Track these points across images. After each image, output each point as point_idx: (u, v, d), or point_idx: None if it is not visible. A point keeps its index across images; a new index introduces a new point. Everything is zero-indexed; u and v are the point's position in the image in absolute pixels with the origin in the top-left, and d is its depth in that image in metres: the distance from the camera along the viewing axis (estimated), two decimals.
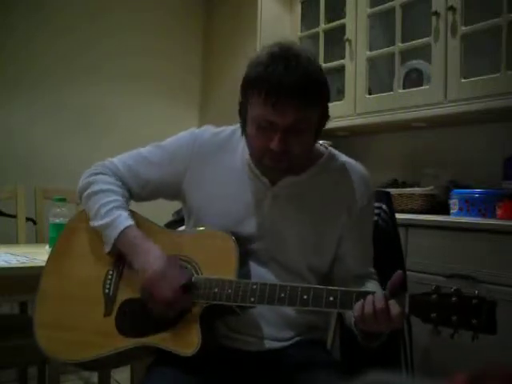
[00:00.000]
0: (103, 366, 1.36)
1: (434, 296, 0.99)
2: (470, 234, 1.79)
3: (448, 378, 0.42)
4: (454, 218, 1.97)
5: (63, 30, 3.12)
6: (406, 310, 1.01)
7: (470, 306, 0.96)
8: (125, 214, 1.25)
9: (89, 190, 1.30)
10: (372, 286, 1.22)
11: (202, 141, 1.31)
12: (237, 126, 1.30)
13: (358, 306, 1.03)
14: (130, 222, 1.24)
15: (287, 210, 1.24)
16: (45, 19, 3.07)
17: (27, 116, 3.04)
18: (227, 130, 1.33)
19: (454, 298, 0.98)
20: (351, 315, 1.14)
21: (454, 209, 2.02)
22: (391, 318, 1.00)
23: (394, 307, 1.00)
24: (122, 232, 1.22)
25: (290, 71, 1.08)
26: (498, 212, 1.87)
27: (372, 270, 1.30)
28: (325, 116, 1.20)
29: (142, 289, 1.19)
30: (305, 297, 1.07)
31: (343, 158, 1.31)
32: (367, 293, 1.05)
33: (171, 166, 1.31)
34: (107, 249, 1.24)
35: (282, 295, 1.08)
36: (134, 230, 1.23)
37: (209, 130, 1.34)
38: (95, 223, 1.26)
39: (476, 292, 0.97)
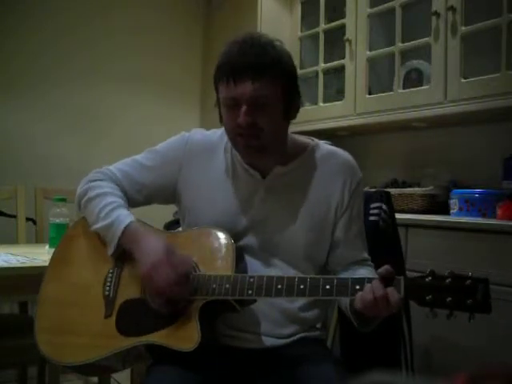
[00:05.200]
0: (104, 369, 1.36)
1: (429, 279, 1.01)
2: (470, 233, 1.79)
3: (448, 378, 0.42)
4: (454, 218, 1.97)
5: (63, 30, 3.12)
6: (402, 293, 1.02)
7: (464, 286, 0.97)
8: (125, 212, 1.26)
9: (87, 196, 1.31)
10: (367, 272, 1.24)
11: (193, 142, 1.34)
12: None
13: (358, 296, 1.05)
14: (131, 218, 1.25)
15: (280, 202, 1.27)
16: (45, 19, 3.07)
17: (27, 116, 3.03)
18: (217, 131, 1.37)
19: (448, 280, 0.99)
20: (346, 301, 1.17)
21: (454, 209, 2.02)
22: (390, 303, 1.01)
23: (392, 293, 1.02)
24: (125, 229, 1.22)
25: (244, 50, 1.17)
26: (498, 212, 1.87)
27: (366, 256, 1.31)
28: (291, 94, 1.23)
29: (142, 280, 1.20)
30: (302, 286, 1.08)
31: (328, 146, 1.34)
32: (362, 279, 1.06)
33: (165, 169, 1.33)
34: (111, 249, 1.24)
35: (279, 286, 1.09)
36: (136, 225, 1.24)
37: (199, 132, 1.38)
38: (96, 226, 1.26)
39: (470, 273, 0.99)
